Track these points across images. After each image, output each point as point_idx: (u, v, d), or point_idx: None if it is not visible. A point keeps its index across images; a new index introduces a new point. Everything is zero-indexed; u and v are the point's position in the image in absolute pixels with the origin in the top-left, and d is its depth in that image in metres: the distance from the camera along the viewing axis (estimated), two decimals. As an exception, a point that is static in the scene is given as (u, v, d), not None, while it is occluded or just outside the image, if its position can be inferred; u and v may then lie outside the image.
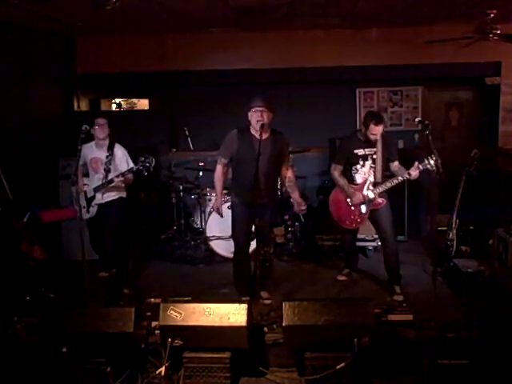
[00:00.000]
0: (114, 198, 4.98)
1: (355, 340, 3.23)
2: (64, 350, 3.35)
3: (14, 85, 5.65)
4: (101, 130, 4.92)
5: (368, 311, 3.37)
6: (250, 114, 4.29)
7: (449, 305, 4.18)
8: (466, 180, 5.35)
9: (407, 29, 6.46)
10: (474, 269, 4.66)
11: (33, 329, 3.88)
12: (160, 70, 6.87)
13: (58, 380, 3.44)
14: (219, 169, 4.51)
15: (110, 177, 4.87)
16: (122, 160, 5.00)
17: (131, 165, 4.94)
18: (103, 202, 4.95)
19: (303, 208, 4.50)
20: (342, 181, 4.76)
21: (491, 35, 5.15)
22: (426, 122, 4.15)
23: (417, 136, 6.82)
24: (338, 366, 3.26)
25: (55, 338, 3.47)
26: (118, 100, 7.18)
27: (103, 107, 7.34)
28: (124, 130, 5.89)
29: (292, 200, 4.58)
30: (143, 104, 7.44)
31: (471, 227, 5.54)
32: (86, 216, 4.97)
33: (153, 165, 4.65)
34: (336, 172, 4.80)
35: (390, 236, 4.68)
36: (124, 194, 5.07)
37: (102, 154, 4.97)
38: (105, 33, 6.51)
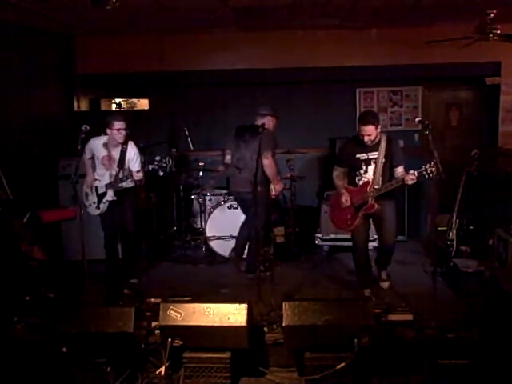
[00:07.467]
0: (128, 186, 4.91)
1: (355, 340, 3.23)
2: (64, 349, 3.35)
3: (13, 85, 5.64)
4: (121, 135, 4.76)
5: (368, 311, 3.37)
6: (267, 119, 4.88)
7: (449, 305, 4.18)
8: (466, 180, 5.35)
9: (407, 29, 6.46)
10: (473, 269, 4.67)
11: (33, 329, 3.88)
12: (160, 70, 6.86)
13: (58, 380, 3.45)
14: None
15: (121, 175, 4.79)
16: (134, 160, 4.88)
17: (140, 166, 4.85)
18: (115, 198, 4.86)
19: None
20: (338, 182, 4.66)
21: (491, 35, 5.14)
22: (426, 121, 4.14)
23: (417, 136, 6.82)
24: (338, 366, 3.26)
25: (55, 338, 3.47)
26: (118, 100, 7.17)
27: (103, 107, 7.32)
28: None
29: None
30: (143, 104, 7.42)
31: (471, 227, 5.54)
32: (95, 212, 4.89)
33: (169, 165, 4.59)
34: (335, 173, 4.69)
35: (391, 239, 4.62)
36: None
37: (116, 153, 4.86)
38: (105, 33, 6.51)
